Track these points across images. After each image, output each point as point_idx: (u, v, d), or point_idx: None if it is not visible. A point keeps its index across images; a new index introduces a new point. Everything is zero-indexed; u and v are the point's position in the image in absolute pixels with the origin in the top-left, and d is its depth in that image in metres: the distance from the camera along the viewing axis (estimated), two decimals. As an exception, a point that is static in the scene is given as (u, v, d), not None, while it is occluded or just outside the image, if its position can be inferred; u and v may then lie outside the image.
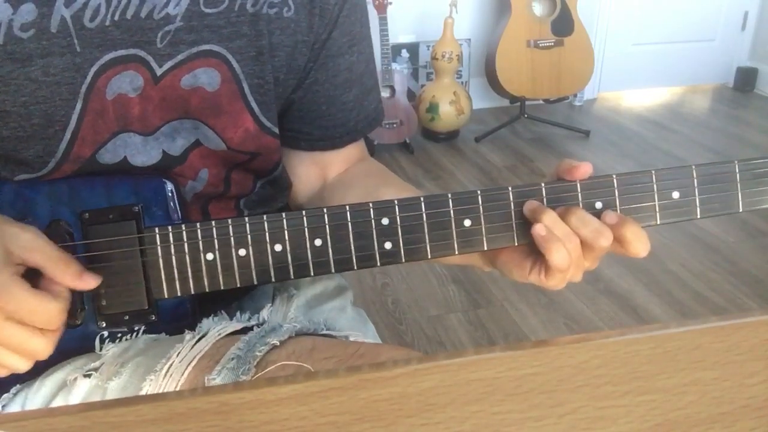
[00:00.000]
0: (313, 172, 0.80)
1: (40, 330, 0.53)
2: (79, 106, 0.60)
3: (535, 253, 0.59)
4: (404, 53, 3.40)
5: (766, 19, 3.90)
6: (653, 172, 0.59)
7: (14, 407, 0.64)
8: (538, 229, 0.56)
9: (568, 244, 0.56)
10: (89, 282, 0.56)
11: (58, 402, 0.62)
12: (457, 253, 0.59)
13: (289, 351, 0.57)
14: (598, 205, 0.58)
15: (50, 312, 0.53)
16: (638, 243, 0.56)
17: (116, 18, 0.60)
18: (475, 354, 0.45)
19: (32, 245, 0.54)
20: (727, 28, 3.95)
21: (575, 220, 0.56)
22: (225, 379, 0.56)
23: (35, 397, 0.63)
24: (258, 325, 0.63)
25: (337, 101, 0.74)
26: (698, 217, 0.59)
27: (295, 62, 0.69)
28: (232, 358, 0.57)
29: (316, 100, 0.74)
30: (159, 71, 0.62)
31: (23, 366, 0.54)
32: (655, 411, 0.41)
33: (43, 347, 0.54)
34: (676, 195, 0.59)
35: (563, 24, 3.21)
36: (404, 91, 3.11)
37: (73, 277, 0.55)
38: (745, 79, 3.93)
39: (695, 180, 0.59)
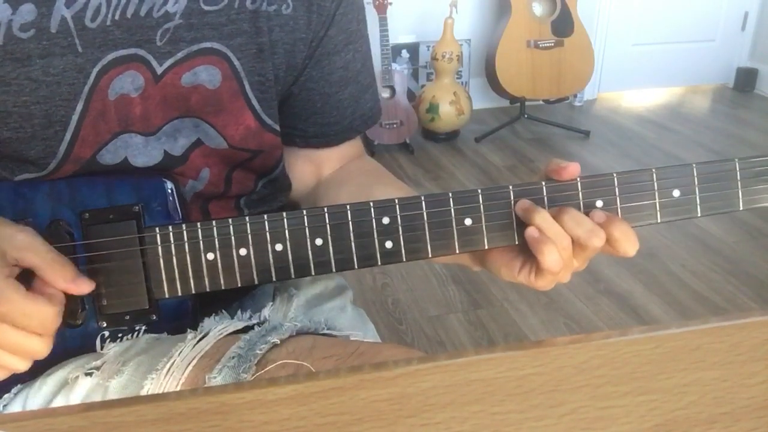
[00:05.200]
0: (307, 169, 0.80)
1: (35, 332, 0.53)
2: (80, 107, 0.60)
3: (525, 253, 0.59)
4: (404, 53, 3.40)
5: (766, 19, 3.90)
6: (654, 170, 0.59)
7: (15, 406, 0.64)
8: (531, 232, 0.56)
9: (560, 246, 0.56)
10: (82, 287, 0.55)
11: (59, 401, 0.62)
12: (458, 251, 0.59)
13: (290, 349, 0.58)
14: (599, 203, 0.58)
15: (45, 316, 0.52)
16: (626, 242, 0.56)
17: (117, 17, 0.60)
18: (475, 354, 0.45)
19: (27, 245, 0.54)
20: (727, 28, 3.95)
21: (569, 220, 0.56)
22: (226, 377, 0.56)
23: (36, 396, 0.63)
24: (259, 324, 0.63)
25: (331, 99, 0.74)
26: (699, 215, 0.59)
27: (294, 60, 0.69)
28: (233, 357, 0.57)
29: (310, 97, 0.74)
30: (159, 69, 0.62)
31: (22, 366, 0.54)
32: (655, 411, 0.41)
33: (40, 347, 0.54)
34: (676, 193, 0.59)
35: (563, 24, 3.21)
36: (404, 91, 3.11)
37: (66, 280, 0.55)
38: (745, 79, 3.93)
39: (696, 178, 0.59)
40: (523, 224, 0.58)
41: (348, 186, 0.76)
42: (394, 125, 3.04)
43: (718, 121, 3.54)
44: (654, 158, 3.02)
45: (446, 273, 2.14)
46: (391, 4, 3.01)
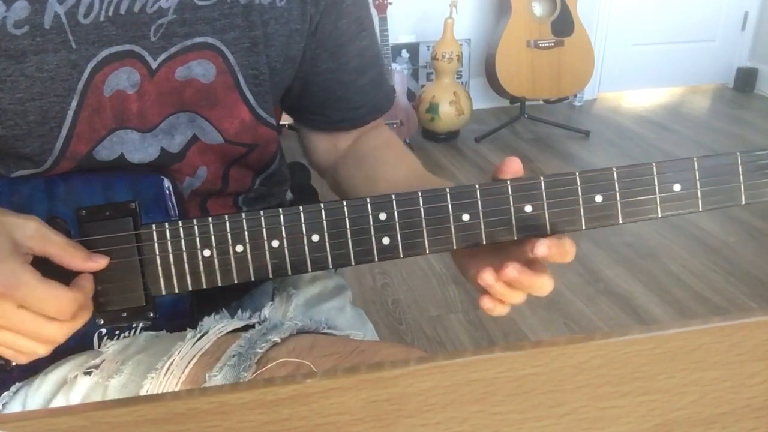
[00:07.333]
0: (326, 146, 0.83)
1: (53, 318, 0.54)
2: (74, 102, 0.60)
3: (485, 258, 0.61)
4: (404, 53, 3.40)
5: (766, 19, 3.90)
6: (654, 164, 0.58)
7: (15, 405, 0.64)
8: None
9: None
10: (100, 262, 0.57)
11: (59, 400, 0.62)
12: (455, 247, 0.58)
13: (290, 348, 0.58)
14: (598, 198, 0.58)
15: (60, 300, 0.53)
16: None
17: (110, 13, 0.60)
18: (475, 354, 0.45)
19: (39, 234, 0.54)
20: (727, 28, 3.95)
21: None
22: (226, 376, 0.56)
23: (36, 395, 0.63)
24: (259, 323, 0.63)
25: (352, 86, 0.77)
26: (700, 209, 0.58)
27: (291, 51, 0.70)
28: (233, 356, 0.57)
29: (330, 86, 0.76)
30: (154, 65, 0.62)
31: (42, 351, 0.55)
32: (655, 411, 0.41)
33: (58, 333, 0.54)
34: (677, 188, 0.58)
35: (563, 24, 3.21)
36: (404, 91, 3.11)
37: (83, 259, 0.56)
38: (745, 79, 3.93)
39: (697, 172, 0.58)
40: (523, 219, 0.58)
41: (363, 167, 0.78)
42: (394, 125, 3.04)
43: (718, 121, 3.54)
44: (654, 158, 2.99)
45: (446, 273, 2.13)
46: (391, 4, 3.01)
